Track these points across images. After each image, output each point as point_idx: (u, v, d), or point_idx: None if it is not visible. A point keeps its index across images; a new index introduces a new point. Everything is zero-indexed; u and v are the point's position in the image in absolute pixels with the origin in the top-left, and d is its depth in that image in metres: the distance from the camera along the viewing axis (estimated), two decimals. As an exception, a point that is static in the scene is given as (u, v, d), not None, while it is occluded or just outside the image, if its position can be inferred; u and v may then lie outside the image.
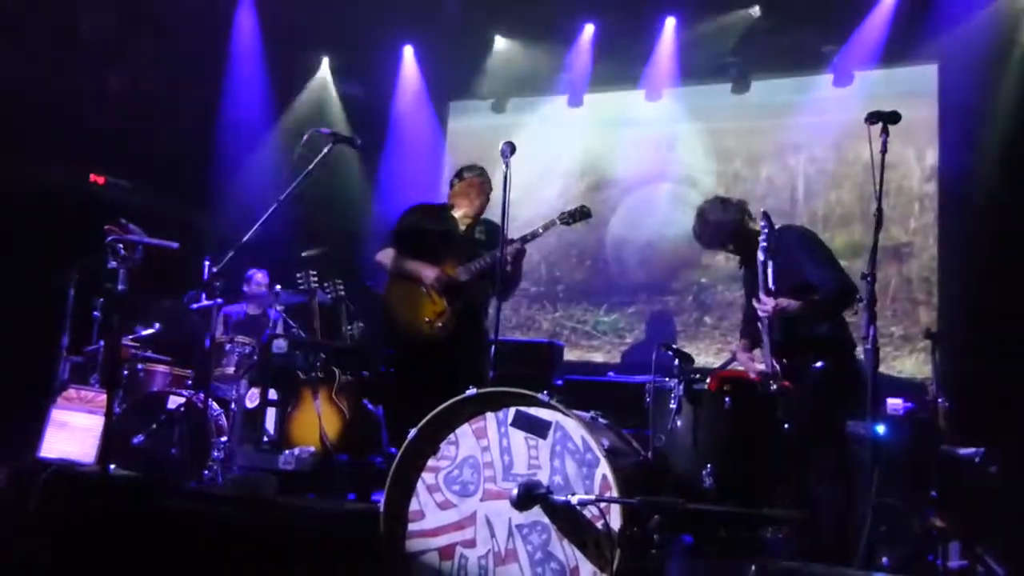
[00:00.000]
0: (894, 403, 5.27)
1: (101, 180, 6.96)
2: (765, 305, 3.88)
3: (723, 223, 4.25)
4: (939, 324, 6.63)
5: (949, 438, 5.12)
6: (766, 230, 3.92)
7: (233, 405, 5.52)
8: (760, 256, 3.94)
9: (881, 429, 4.93)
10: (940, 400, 5.28)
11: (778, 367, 3.80)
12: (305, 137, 4.21)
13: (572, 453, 2.91)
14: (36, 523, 3.38)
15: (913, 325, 6.81)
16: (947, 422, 5.21)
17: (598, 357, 7.77)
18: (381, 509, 3.07)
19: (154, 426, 5.20)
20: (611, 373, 6.20)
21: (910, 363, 6.74)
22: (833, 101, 7.25)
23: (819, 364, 3.88)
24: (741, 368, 4.29)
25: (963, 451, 4.77)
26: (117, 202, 6.66)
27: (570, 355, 7.58)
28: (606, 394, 5.68)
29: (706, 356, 7.32)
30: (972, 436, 5.00)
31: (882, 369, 6.68)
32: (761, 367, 3.97)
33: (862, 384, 3.97)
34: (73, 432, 5.31)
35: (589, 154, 8.20)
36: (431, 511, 3.07)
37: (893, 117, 3.43)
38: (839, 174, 7.23)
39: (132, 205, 6.61)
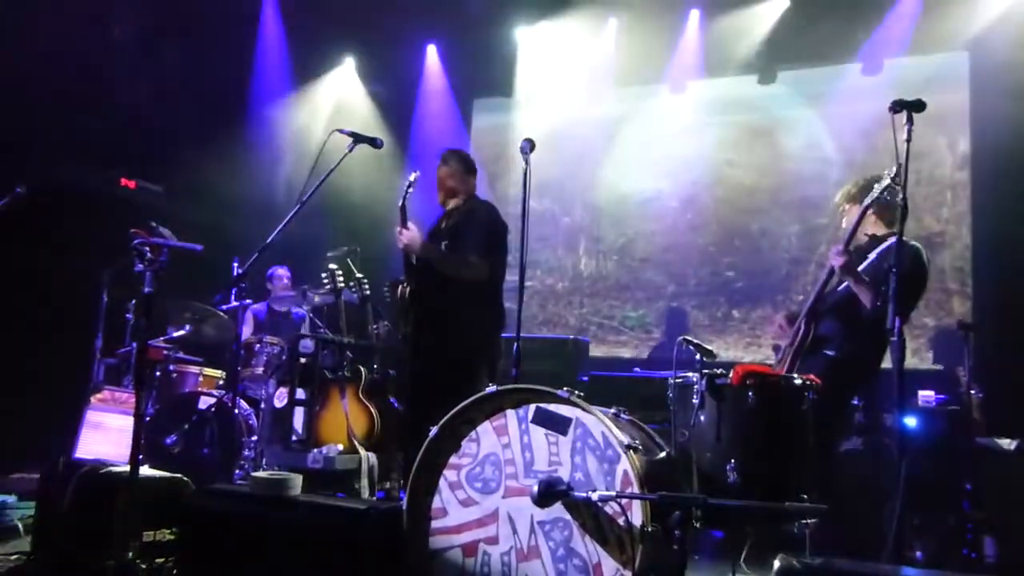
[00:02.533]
0: (926, 395, 5.19)
1: (132, 184, 7.09)
2: (839, 255, 3.93)
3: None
4: (973, 314, 6.53)
5: (983, 429, 5.04)
6: (889, 180, 3.89)
7: (262, 404, 5.59)
8: (867, 200, 3.97)
9: (913, 422, 4.88)
10: (974, 391, 5.20)
11: (797, 337, 3.94)
12: (327, 137, 4.23)
13: (593, 449, 2.91)
14: (69, 522, 3.44)
15: (947, 316, 6.70)
16: (981, 413, 5.13)
17: (625, 352, 7.75)
18: (404, 507, 3.09)
19: (186, 426, 5.29)
20: (637, 369, 6.17)
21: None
22: (862, 90, 7.14)
23: (830, 352, 3.91)
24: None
25: (998, 442, 4.69)
26: (149, 206, 6.79)
27: (597, 351, 7.57)
28: (632, 390, 5.65)
29: (734, 350, 7.28)
30: (1007, 427, 4.91)
31: (915, 361, 6.65)
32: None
33: (868, 375, 4.05)
34: (108, 433, 5.43)
35: (614, 148, 8.16)
36: (454, 508, 3.08)
37: (918, 106, 3.37)
38: (869, 164, 7.10)
39: (163, 208, 6.74)
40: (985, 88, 6.72)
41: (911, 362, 6.68)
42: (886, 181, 3.96)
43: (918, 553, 4.53)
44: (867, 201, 4.00)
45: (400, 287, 4.45)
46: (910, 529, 4.41)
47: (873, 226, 4.21)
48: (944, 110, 6.82)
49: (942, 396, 5.20)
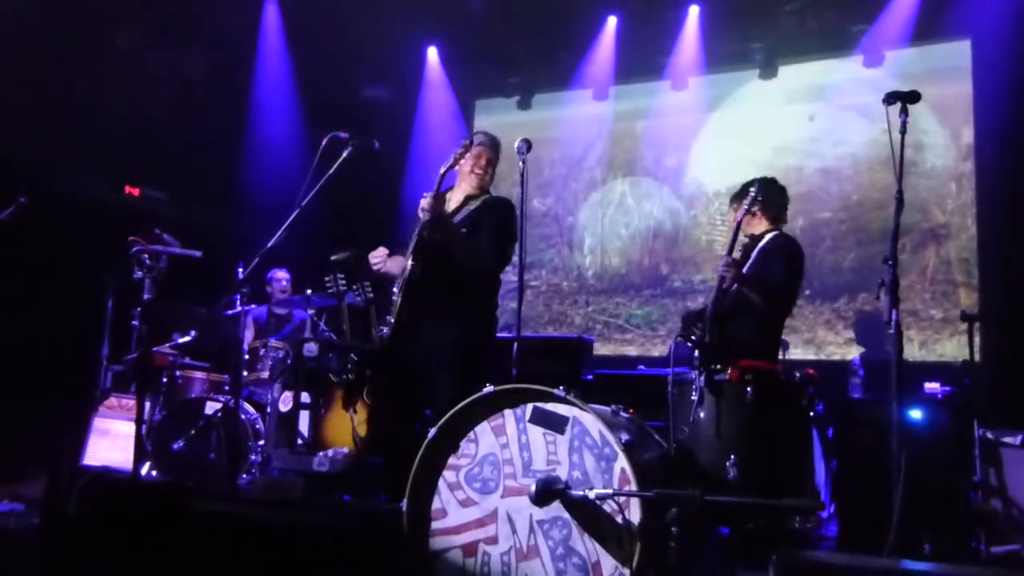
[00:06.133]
0: (932, 387, 5.16)
1: (137, 192, 7.14)
2: (727, 267, 4.07)
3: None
4: (980, 305, 6.49)
5: (990, 421, 5.01)
6: (752, 193, 4.25)
7: (268, 409, 5.62)
8: (744, 207, 4.28)
9: (918, 414, 4.85)
10: (980, 382, 5.16)
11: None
12: (325, 141, 4.24)
13: (590, 447, 2.91)
14: (74, 529, 3.47)
15: (953, 307, 6.66)
16: (988, 404, 5.10)
17: (631, 350, 7.74)
18: (404, 508, 3.09)
19: (192, 432, 5.32)
20: (641, 366, 6.17)
21: (951, 346, 6.60)
22: (863, 82, 7.12)
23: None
24: None
25: (1004, 435, 4.66)
26: (153, 213, 6.83)
27: (603, 349, 7.57)
28: (637, 388, 5.65)
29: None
30: (1015, 418, 4.87)
31: (922, 353, 6.62)
32: None
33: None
34: (115, 439, 5.47)
35: (617, 147, 8.17)
36: (453, 509, 3.09)
37: (912, 97, 3.37)
38: (873, 156, 7.10)
39: (168, 215, 6.79)
40: (988, 76, 6.68)
41: (919, 354, 6.65)
42: (755, 187, 4.30)
43: (926, 546, 4.51)
44: (744, 208, 4.25)
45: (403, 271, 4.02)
46: (917, 522, 4.39)
47: (756, 225, 4.43)
48: (947, 100, 6.78)
49: (948, 388, 5.16)
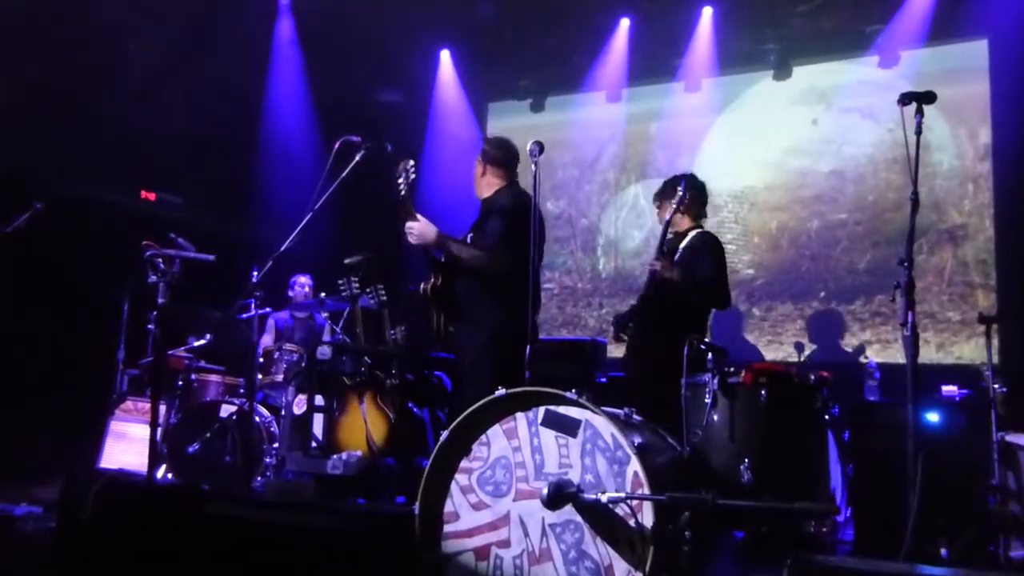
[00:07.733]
0: (949, 389, 5.11)
1: (152, 197, 7.18)
2: (667, 269, 4.42)
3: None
4: (998, 307, 6.43)
5: (1009, 424, 4.95)
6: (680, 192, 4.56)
7: (283, 412, 5.64)
8: (668, 214, 4.64)
9: (935, 417, 4.81)
10: (997, 385, 5.10)
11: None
12: (337, 145, 4.26)
13: (603, 451, 2.90)
14: (89, 531, 3.49)
15: (971, 309, 6.60)
16: (1006, 408, 5.04)
17: (645, 353, 7.71)
18: (416, 511, 3.09)
19: (208, 435, 5.35)
20: (655, 369, 6.14)
21: (968, 348, 6.54)
22: (879, 83, 7.07)
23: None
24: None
25: (1022, 438, 4.60)
26: (169, 217, 6.87)
27: (617, 352, 7.52)
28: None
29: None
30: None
31: (939, 355, 6.57)
32: None
33: None
34: (131, 443, 5.52)
35: (630, 149, 8.16)
36: (465, 512, 3.09)
37: (927, 97, 3.35)
38: (889, 157, 7.05)
39: (182, 220, 6.82)
40: (1006, 76, 6.61)
41: (936, 357, 6.59)
42: (682, 185, 4.58)
43: (943, 551, 4.47)
44: (674, 206, 4.57)
45: (422, 285, 4.19)
46: (935, 526, 4.35)
47: (681, 222, 4.74)
48: (963, 100, 6.72)
49: (965, 391, 5.11)
